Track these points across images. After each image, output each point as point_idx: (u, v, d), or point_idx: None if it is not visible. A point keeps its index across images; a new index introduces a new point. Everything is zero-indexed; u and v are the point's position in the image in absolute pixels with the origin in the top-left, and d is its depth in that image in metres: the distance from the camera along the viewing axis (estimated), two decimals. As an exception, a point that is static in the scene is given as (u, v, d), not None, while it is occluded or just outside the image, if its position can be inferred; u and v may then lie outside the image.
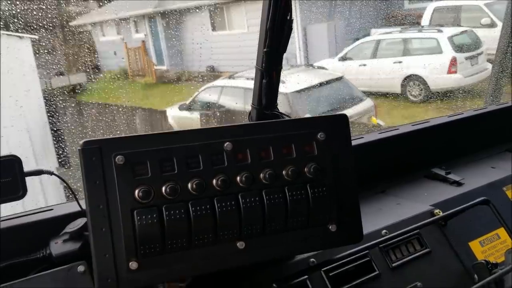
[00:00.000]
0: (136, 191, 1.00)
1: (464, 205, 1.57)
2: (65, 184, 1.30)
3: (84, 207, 1.22)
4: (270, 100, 1.51)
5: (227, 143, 1.09)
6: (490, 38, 9.56)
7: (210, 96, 8.20)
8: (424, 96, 9.36)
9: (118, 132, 6.57)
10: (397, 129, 1.99)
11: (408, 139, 1.96)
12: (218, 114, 5.26)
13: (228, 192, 1.07)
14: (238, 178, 1.09)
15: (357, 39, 10.69)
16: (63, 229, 1.21)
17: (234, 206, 1.06)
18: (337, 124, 1.20)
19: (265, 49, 1.40)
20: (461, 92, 8.99)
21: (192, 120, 7.84)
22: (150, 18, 14.48)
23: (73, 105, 7.61)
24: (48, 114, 6.00)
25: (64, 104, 7.33)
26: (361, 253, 1.39)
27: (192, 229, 1.03)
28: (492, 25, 9.86)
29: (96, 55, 14.96)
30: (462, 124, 2.02)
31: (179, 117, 7.78)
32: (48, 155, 5.75)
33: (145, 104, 9.77)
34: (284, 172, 1.13)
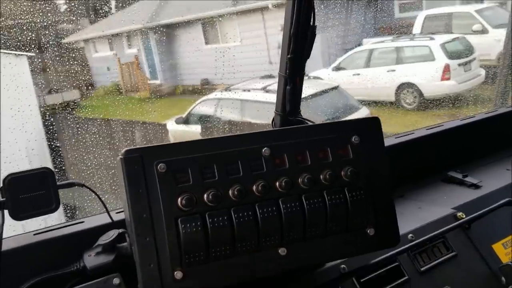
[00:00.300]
0: (179, 199, 0.99)
1: (489, 207, 1.57)
2: (95, 196, 1.28)
3: (115, 219, 1.20)
4: (294, 106, 1.51)
5: (265, 148, 1.09)
6: (483, 44, 9.71)
7: (207, 109, 8.20)
8: (418, 103, 9.44)
9: (120, 146, 6.52)
10: (413, 133, 2.00)
11: (423, 143, 1.97)
12: (220, 127, 5.24)
13: (268, 198, 1.06)
14: (277, 184, 1.08)
15: (350, 49, 10.79)
16: (95, 242, 1.19)
17: (275, 211, 1.05)
18: (370, 127, 1.20)
19: (289, 56, 1.40)
20: (455, 98, 9.07)
21: (189, 133, 7.82)
22: (143, 33, 14.51)
23: (69, 121, 7.57)
24: (45, 130, 5.96)
25: (60, 120, 7.29)
26: (392, 258, 1.38)
27: (236, 236, 1.02)
28: (483, 31, 10.00)
29: (89, 72, 14.97)
30: (474, 127, 2.03)
31: (176, 131, 7.77)
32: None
33: (140, 118, 9.75)
34: (321, 177, 1.12)
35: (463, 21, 10.49)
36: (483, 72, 9.49)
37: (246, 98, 7.55)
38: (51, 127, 6.70)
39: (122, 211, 1.28)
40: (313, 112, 6.88)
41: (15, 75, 5.98)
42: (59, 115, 7.84)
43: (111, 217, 1.26)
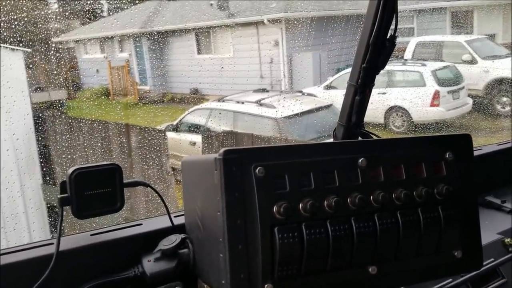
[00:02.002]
0: (275, 207, 0.93)
1: None
2: (159, 199, 1.21)
3: (175, 222, 1.14)
4: (360, 118, 1.47)
5: (362, 159, 1.03)
6: (471, 74, 9.94)
7: (198, 118, 8.14)
8: (407, 127, 9.57)
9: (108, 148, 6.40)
10: None
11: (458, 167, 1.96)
12: (220, 137, 5.20)
13: (364, 212, 1.01)
14: (372, 197, 1.03)
15: (342, 69, 10.92)
16: (154, 246, 1.12)
17: (371, 226, 1.01)
18: (463, 144, 1.17)
19: (364, 65, 1.36)
20: (442, 125, 9.24)
21: (179, 141, 7.74)
22: (136, 38, 14.42)
23: (56, 121, 7.41)
24: (35, 129, 5.82)
25: (47, 119, 7.14)
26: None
27: (330, 250, 0.96)
28: (472, 61, 10.25)
29: (78, 72, 14.77)
30: (509, 152, 2.05)
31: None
32: (33, 170, 5.55)
33: (127, 121, 9.63)
34: (415, 193, 1.07)
35: (454, 50, 10.73)
36: (470, 101, 9.70)
37: (240, 110, 7.53)
38: (39, 124, 6.56)
39: (182, 215, 1.21)
40: (307, 129, 6.90)
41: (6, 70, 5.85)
42: (46, 113, 7.68)
43: (172, 221, 1.19)
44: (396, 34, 1.35)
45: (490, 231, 1.65)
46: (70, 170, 1.02)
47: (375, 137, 1.44)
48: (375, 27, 1.33)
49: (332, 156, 1.02)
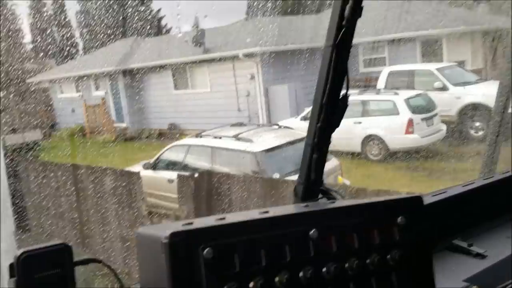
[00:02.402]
0: None
1: (504, 284, 1.55)
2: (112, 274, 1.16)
3: None
4: (319, 176, 1.46)
5: (313, 230, 1.01)
6: (444, 100, 10.18)
7: (176, 155, 8.08)
8: (383, 155, 9.68)
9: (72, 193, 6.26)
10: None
11: (427, 210, 1.95)
12: (196, 176, 5.15)
13: (317, 285, 0.99)
14: (325, 269, 1.01)
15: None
16: None
17: None
18: (414, 206, 1.16)
19: (318, 124, 1.37)
20: (419, 151, 9.37)
21: (157, 180, 7.65)
22: (112, 76, 14.44)
23: (30, 164, 7.26)
24: (7, 174, 5.66)
25: (21, 163, 6.99)
26: None
27: None
28: (443, 88, 10.51)
29: (53, 112, 14.67)
30: (475, 193, 2.05)
31: (142, 177, 7.59)
32: (5, 217, 5.36)
33: (103, 163, 9.49)
34: (369, 261, 1.06)
35: (425, 78, 11.01)
36: (444, 127, 9.90)
37: (217, 146, 7.50)
38: (12, 168, 6.41)
39: None
40: (285, 162, 6.90)
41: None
42: (19, 156, 7.53)
43: None
44: (348, 94, 1.37)
45: (456, 278, 1.63)
46: (18, 253, 0.99)
47: (334, 194, 1.44)
48: (327, 88, 1.34)
49: (282, 229, 1.00)
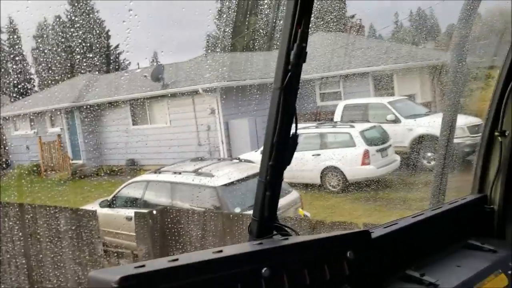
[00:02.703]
0: None
1: None
2: None
3: None
4: (272, 212, 1.49)
5: (265, 269, 1.03)
6: (397, 132, 10.58)
7: (134, 192, 7.93)
8: (342, 186, 9.87)
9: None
10: (373, 232, 2.03)
11: (379, 242, 2.00)
12: (154, 213, 5.05)
13: None
14: None
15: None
16: None
17: None
18: (362, 240, 1.20)
19: (270, 163, 1.41)
20: (375, 182, 9.62)
21: (114, 217, 7.46)
22: (68, 112, 14.15)
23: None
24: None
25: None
26: None
27: None
28: (396, 121, 10.94)
29: (6, 150, 14.13)
30: (424, 224, 2.11)
31: (99, 215, 7.40)
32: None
33: (58, 202, 9.19)
34: None
35: (378, 111, 11.44)
36: (398, 158, 10.25)
37: (177, 181, 7.43)
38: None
39: None
40: (245, 196, 6.91)
41: None
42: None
43: None
44: (297, 133, 1.43)
45: None
46: None
47: (288, 230, 1.47)
48: (277, 127, 1.39)
49: (236, 269, 1.01)
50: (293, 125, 1.42)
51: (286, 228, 1.48)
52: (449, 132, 3.42)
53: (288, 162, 1.43)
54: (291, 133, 1.42)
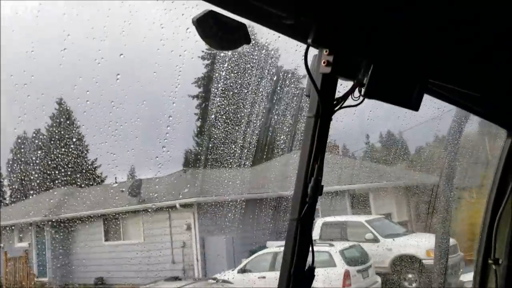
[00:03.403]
0: None
1: None
2: None
3: None
4: None
5: None
6: (376, 252, 10.48)
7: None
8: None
9: None
10: None
11: None
12: None
13: None
14: None
15: (255, 251, 10.98)
16: None
17: None
18: None
19: None
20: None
21: None
22: (38, 226, 13.66)
23: None
24: None
25: None
26: None
27: None
28: (374, 240, 10.91)
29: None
30: None
31: None
32: None
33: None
34: None
35: (357, 230, 11.43)
36: (379, 279, 10.02)
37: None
38: None
39: None
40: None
41: None
42: None
43: None
44: (315, 266, 1.46)
45: None
46: None
47: None
48: (295, 258, 1.42)
49: None
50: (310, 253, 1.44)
51: None
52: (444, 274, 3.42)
53: None
54: (307, 265, 1.43)
